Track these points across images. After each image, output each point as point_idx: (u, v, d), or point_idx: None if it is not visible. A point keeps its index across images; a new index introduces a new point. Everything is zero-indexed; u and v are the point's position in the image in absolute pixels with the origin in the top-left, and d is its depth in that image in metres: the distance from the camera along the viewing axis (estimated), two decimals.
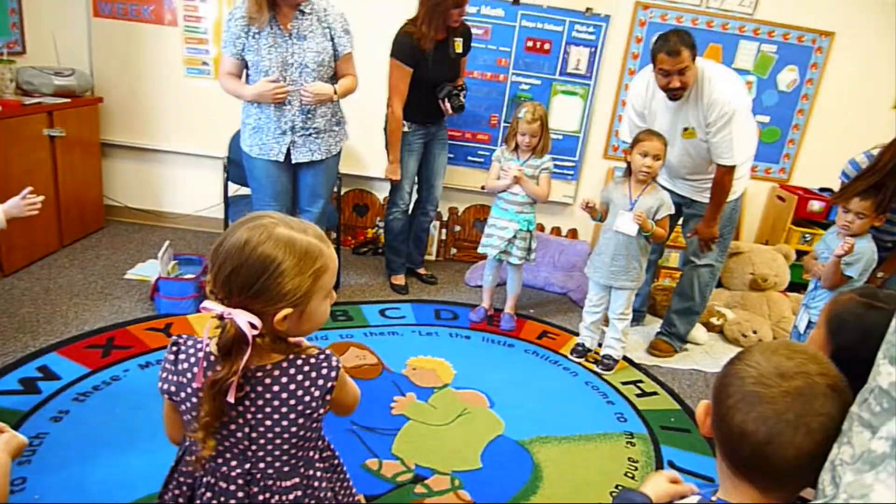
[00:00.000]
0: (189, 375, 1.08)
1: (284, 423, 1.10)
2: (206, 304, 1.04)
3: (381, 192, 4.19)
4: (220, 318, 1.02)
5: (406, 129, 3.40)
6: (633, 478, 2.28)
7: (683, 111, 2.81)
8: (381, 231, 4.23)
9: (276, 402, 1.08)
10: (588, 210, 2.88)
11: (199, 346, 1.10)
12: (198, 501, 1.13)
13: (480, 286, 3.55)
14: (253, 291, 1.02)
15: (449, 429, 2.42)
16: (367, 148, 3.99)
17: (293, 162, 2.86)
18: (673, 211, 2.86)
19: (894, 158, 2.24)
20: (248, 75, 2.75)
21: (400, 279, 3.70)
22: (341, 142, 3.01)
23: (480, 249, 3.28)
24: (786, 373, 0.82)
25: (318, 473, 1.21)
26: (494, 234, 3.20)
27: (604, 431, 2.53)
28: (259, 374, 1.07)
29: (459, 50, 3.32)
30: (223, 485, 1.12)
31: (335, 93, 2.78)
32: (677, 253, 4.08)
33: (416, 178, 3.61)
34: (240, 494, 1.11)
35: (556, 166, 3.37)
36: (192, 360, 1.09)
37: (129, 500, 1.86)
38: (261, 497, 1.13)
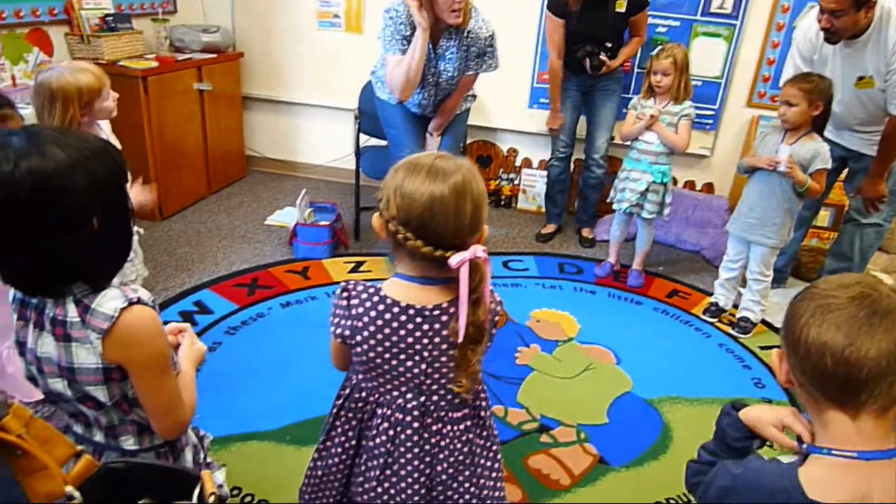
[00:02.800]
0: (365, 319, 1.11)
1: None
2: (457, 256, 1.03)
3: (505, 144, 4.13)
4: (473, 260, 1.05)
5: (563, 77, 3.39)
6: (770, 446, 2.15)
7: (860, 57, 2.49)
8: (504, 183, 4.19)
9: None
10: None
11: (369, 291, 1.12)
12: (374, 431, 1.20)
13: (607, 241, 3.44)
14: (479, 223, 1.10)
15: (574, 382, 2.40)
16: (491, 99, 3.93)
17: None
18: (830, 165, 2.57)
19: None
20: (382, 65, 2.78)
21: (548, 228, 3.74)
22: (468, 104, 3.03)
23: (613, 204, 3.16)
24: (847, 284, 0.84)
25: (484, 403, 1.27)
26: (626, 186, 3.06)
27: (739, 396, 2.41)
28: (436, 312, 1.11)
29: (621, 9, 3.20)
30: (399, 416, 1.18)
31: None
32: (828, 211, 3.71)
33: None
34: (415, 425, 1.17)
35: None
36: (368, 304, 1.11)
37: (276, 426, 2.02)
38: (434, 427, 1.19)
